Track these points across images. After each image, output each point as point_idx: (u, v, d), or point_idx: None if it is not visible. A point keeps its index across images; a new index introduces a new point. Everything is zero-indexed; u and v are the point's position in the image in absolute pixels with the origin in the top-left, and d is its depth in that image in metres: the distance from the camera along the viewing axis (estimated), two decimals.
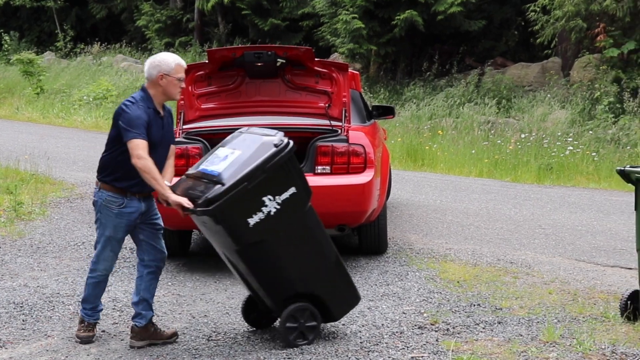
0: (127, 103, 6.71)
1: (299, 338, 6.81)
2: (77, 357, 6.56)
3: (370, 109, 11.02)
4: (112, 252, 6.90)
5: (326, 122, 9.40)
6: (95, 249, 6.95)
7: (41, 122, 23.62)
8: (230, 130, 9.49)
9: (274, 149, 6.53)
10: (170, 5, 33.82)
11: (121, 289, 8.42)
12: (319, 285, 6.90)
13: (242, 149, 6.72)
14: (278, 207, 6.53)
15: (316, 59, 9.47)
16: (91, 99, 25.54)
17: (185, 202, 6.44)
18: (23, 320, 7.41)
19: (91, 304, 6.93)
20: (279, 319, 6.90)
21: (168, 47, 32.44)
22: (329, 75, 9.49)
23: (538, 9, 20.41)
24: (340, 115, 9.38)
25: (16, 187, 12.67)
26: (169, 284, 8.63)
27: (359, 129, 9.39)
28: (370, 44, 22.95)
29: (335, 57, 24.82)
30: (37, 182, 13.67)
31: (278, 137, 6.67)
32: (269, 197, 6.49)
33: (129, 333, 6.92)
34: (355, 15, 22.39)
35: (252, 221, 6.45)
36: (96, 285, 6.93)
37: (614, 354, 6.58)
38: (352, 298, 7.14)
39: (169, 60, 6.86)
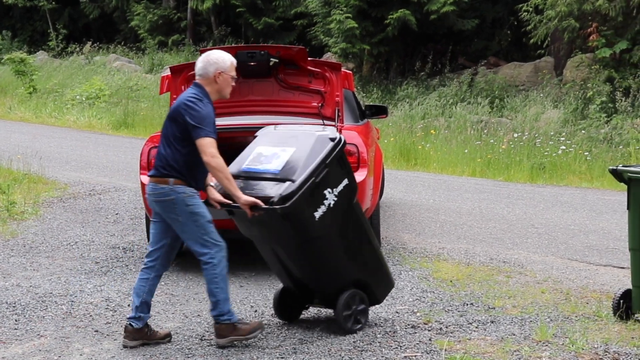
0: (194, 100, 6.69)
1: (354, 323, 7.08)
2: (69, 357, 6.55)
3: (363, 108, 11.03)
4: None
5: (319, 121, 9.40)
6: (202, 247, 6.72)
7: (34, 122, 23.58)
8: (223, 130, 9.52)
9: (332, 144, 6.82)
10: (163, 4, 33.81)
11: (114, 288, 8.41)
12: (367, 271, 7.21)
13: (296, 145, 6.93)
14: (335, 199, 6.81)
15: (309, 59, 9.47)
16: (84, 99, 25.49)
17: (259, 201, 6.52)
18: (16, 320, 7.40)
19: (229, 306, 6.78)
20: (313, 308, 7.51)
21: (161, 46, 32.43)
22: (322, 74, 9.49)
23: (531, 9, 20.43)
24: (333, 114, 9.39)
25: (9, 186, 12.64)
26: (162, 283, 8.61)
27: (352, 129, 9.39)
28: (363, 43, 22.95)
29: (328, 57, 24.82)
30: (30, 181, 13.65)
31: (331, 131, 7.02)
32: (329, 190, 6.77)
33: (123, 332, 6.88)
34: (349, 15, 22.40)
35: (317, 215, 6.71)
36: (225, 276, 6.76)
37: (607, 353, 6.59)
38: (390, 282, 7.50)
39: (225, 58, 6.89)
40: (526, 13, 20.59)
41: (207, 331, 7.15)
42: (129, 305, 7.86)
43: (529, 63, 22.96)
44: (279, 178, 6.71)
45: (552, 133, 17.53)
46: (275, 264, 7.22)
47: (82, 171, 15.36)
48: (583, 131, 17.30)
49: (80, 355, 6.61)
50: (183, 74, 9.49)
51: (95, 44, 35.01)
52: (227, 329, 6.73)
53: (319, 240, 6.84)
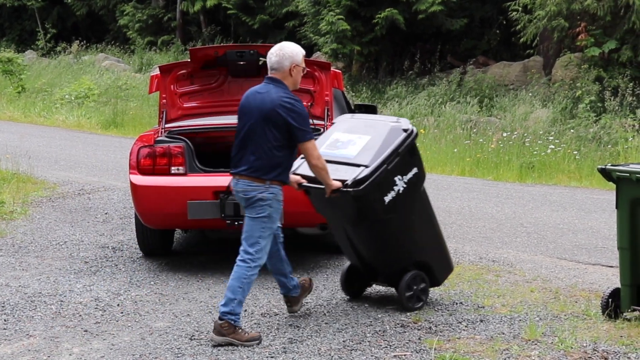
0: (292, 101, 6.88)
1: (416, 302, 7.65)
2: (59, 357, 6.55)
3: (352, 107, 11.02)
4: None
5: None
6: (252, 246, 6.91)
7: (23, 121, 23.52)
8: (213, 129, 9.52)
9: (404, 134, 7.37)
10: (152, 4, 33.77)
11: (103, 288, 8.40)
12: (430, 254, 7.77)
13: (371, 134, 7.46)
14: (404, 185, 7.35)
15: None
16: (73, 98, 25.43)
17: (340, 184, 7.01)
18: (5, 320, 7.38)
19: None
20: (376, 286, 8.11)
21: (150, 46, 32.38)
22: (312, 74, 9.48)
23: (520, 8, 20.45)
24: (323, 114, 9.39)
25: None
26: (152, 283, 8.62)
27: None
28: (353, 43, 22.96)
29: (318, 56, 24.80)
30: (19, 181, 13.62)
31: (404, 122, 7.52)
32: (399, 177, 7.31)
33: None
34: (341, 17, 22.36)
35: (387, 199, 7.26)
36: (251, 283, 6.98)
37: (596, 352, 6.61)
38: (450, 265, 8.05)
39: (297, 51, 7.09)
40: (515, 12, 20.62)
41: (197, 331, 7.15)
42: (118, 304, 7.86)
43: (518, 62, 22.98)
44: (353, 163, 7.22)
45: (541, 132, 17.56)
46: (345, 242, 7.82)
47: (71, 171, 15.33)
48: (572, 130, 17.33)
49: (70, 355, 6.60)
50: (172, 73, 9.49)
51: (84, 43, 34.93)
52: (229, 328, 6.78)
53: (387, 223, 7.40)
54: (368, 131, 7.54)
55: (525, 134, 17.62)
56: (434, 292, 8.23)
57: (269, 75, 7.01)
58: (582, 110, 18.01)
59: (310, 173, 7.13)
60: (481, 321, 7.39)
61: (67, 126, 22.54)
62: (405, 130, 7.39)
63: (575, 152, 16.21)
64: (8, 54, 28.50)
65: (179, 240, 10.39)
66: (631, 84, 17.84)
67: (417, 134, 7.50)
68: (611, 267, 9.19)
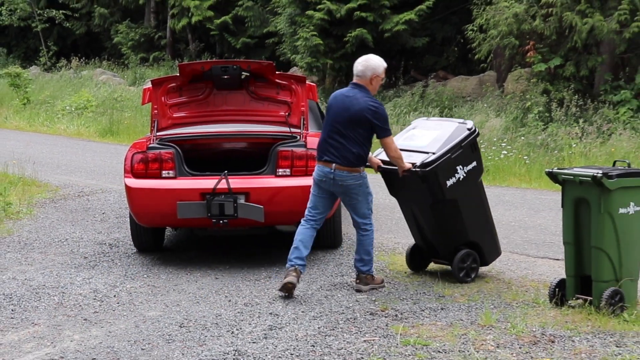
0: (377, 104, 7.70)
1: (465, 276, 8.19)
2: (61, 343, 6.51)
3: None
4: None
5: (286, 129, 9.40)
6: (364, 218, 7.96)
7: (28, 130, 23.37)
8: (200, 137, 9.50)
9: (468, 132, 8.00)
10: (145, 24, 33.66)
11: (101, 280, 8.36)
12: (482, 236, 8.30)
13: (440, 130, 8.16)
14: (464, 175, 7.97)
15: (277, 72, 9.46)
16: (73, 109, 25.30)
17: (410, 166, 7.72)
18: (12, 310, 7.34)
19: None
20: (435, 264, 8.61)
21: (143, 61, 32.27)
22: (289, 86, 9.48)
23: (475, 28, 20.50)
24: (299, 123, 9.39)
25: (5, 189, 12.53)
26: (145, 276, 8.58)
27: (316, 135, 9.37)
28: (326, 58, 22.97)
29: (295, 71, 24.79)
30: (24, 184, 13.54)
31: (469, 123, 8.14)
32: (460, 166, 7.95)
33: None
34: (315, 33, 22.41)
35: (448, 183, 7.87)
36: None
37: (544, 336, 6.64)
38: (498, 250, 8.57)
39: (380, 64, 7.90)
40: (472, 32, 20.67)
41: (186, 319, 7.13)
42: (114, 295, 7.83)
43: (474, 76, 23.04)
44: (423, 151, 7.87)
45: (495, 139, 17.60)
46: (412, 222, 8.44)
47: (71, 175, 15.25)
48: (522, 137, 17.38)
49: (71, 341, 6.57)
50: (163, 86, 9.46)
51: (82, 59, 34.78)
52: (370, 278, 7.99)
53: (447, 204, 7.96)
54: (438, 128, 8.26)
55: (480, 141, 17.66)
56: (400, 283, 8.25)
57: (354, 81, 7.89)
58: (531, 119, 18.07)
59: (386, 158, 7.93)
60: (442, 309, 7.40)
61: (68, 134, 22.41)
62: (469, 129, 8.04)
63: (526, 157, 16.26)
64: (16, 69, 28.36)
65: (169, 238, 10.35)
66: (575, 96, 17.93)
67: (478, 133, 8.14)
68: (557, 260, 9.23)
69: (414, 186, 7.93)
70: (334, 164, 7.72)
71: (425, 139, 8.07)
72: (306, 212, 8.00)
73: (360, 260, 8.00)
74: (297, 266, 7.74)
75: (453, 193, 7.93)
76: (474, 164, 8.09)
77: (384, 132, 7.67)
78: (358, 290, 7.96)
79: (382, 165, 8.01)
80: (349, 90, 7.88)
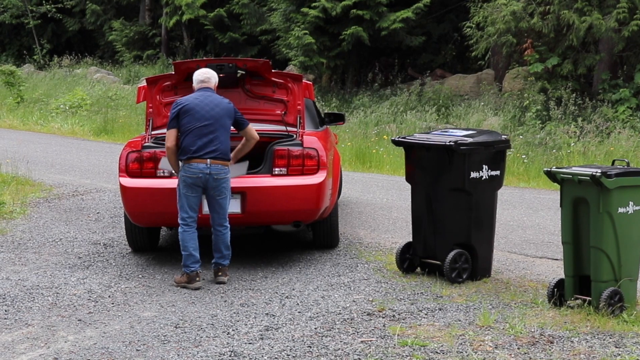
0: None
1: (457, 277, 8.20)
2: (55, 344, 6.50)
3: (322, 116, 11.02)
4: None
5: (282, 128, 9.40)
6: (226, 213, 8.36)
7: (21, 129, 23.33)
8: None
9: (503, 138, 8.42)
10: (140, 21, 33.64)
11: (96, 281, 8.34)
12: (480, 241, 8.33)
13: (477, 130, 8.65)
14: (487, 176, 8.22)
15: (273, 71, 9.45)
16: (67, 108, 25.27)
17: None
18: (5, 311, 7.32)
19: None
20: (424, 263, 8.59)
21: (137, 59, 32.24)
22: (285, 85, 9.47)
23: (473, 26, 20.51)
24: (295, 121, 9.38)
25: None
26: (140, 276, 8.57)
27: (313, 134, 9.38)
28: (320, 57, 22.94)
29: (291, 69, 24.78)
30: (18, 183, 13.51)
31: (505, 135, 8.64)
32: (486, 166, 8.22)
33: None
34: (307, 31, 22.39)
35: (472, 175, 8.09)
36: None
37: (542, 336, 6.65)
38: (489, 267, 8.55)
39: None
40: (469, 29, 20.68)
41: (181, 319, 7.12)
42: (109, 296, 7.82)
43: (472, 75, 23.05)
44: (459, 135, 8.28)
45: None
46: (422, 210, 8.47)
47: (66, 174, 15.23)
48: (520, 136, 17.40)
49: (65, 342, 6.55)
50: (158, 84, 9.45)
51: (75, 57, 34.73)
52: (227, 269, 8.44)
53: (463, 195, 8.13)
54: (480, 131, 8.71)
55: None
56: (397, 284, 8.25)
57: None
58: (529, 118, 18.09)
59: (422, 140, 8.37)
60: (440, 309, 7.40)
61: (62, 133, 22.38)
62: (505, 136, 8.51)
63: (524, 156, 16.28)
64: (10, 67, 28.33)
65: (164, 237, 10.34)
66: (573, 94, 17.95)
67: (510, 146, 8.53)
68: (556, 259, 9.23)
69: (439, 166, 8.19)
70: (209, 159, 8.13)
71: (461, 132, 8.49)
72: (187, 217, 8.19)
73: (222, 256, 8.33)
74: (199, 270, 8.19)
75: (472, 187, 8.13)
76: (498, 172, 8.35)
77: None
78: (222, 283, 8.29)
79: (419, 140, 8.42)
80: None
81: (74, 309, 7.42)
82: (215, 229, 8.31)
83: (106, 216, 11.48)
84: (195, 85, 8.45)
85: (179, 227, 8.22)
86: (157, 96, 9.43)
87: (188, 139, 8.15)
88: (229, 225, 8.36)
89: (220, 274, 8.38)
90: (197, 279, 8.14)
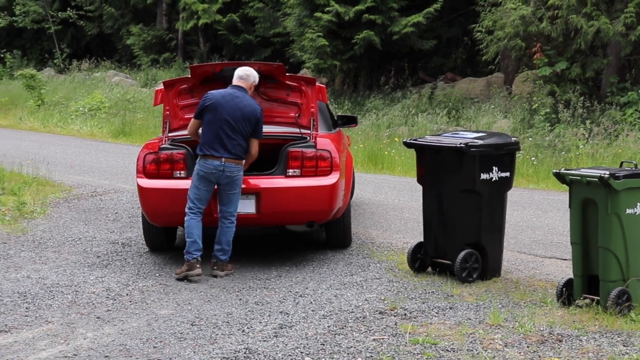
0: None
1: (468, 276, 8.18)
2: (75, 341, 6.52)
3: (335, 118, 11.01)
4: None
5: (296, 130, 9.39)
6: (235, 209, 8.53)
7: (42, 131, 23.43)
8: None
9: (513, 140, 8.39)
10: (157, 26, 33.71)
11: (114, 279, 8.36)
12: (490, 241, 8.31)
13: (488, 133, 8.69)
14: (497, 178, 8.20)
15: (287, 74, 9.45)
16: (86, 110, 25.36)
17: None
18: (26, 308, 7.34)
19: None
20: (435, 262, 8.55)
21: (154, 63, 32.30)
22: (299, 88, 9.46)
23: (483, 30, 20.46)
24: (309, 124, 9.37)
25: (20, 189, 12.57)
26: (157, 274, 8.59)
27: (326, 136, 9.38)
28: (334, 59, 22.95)
29: (304, 72, 24.77)
30: (39, 184, 13.57)
31: (515, 137, 8.56)
32: (496, 168, 8.19)
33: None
34: (320, 34, 22.41)
35: (482, 176, 8.09)
36: None
37: (551, 335, 6.62)
38: (499, 268, 8.50)
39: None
40: (479, 33, 20.63)
41: (197, 317, 7.13)
42: (127, 294, 7.83)
43: (482, 78, 22.98)
44: (470, 138, 8.27)
45: None
46: (432, 211, 8.47)
47: (85, 175, 15.27)
48: (530, 139, 17.35)
49: (84, 339, 6.57)
50: (175, 87, 9.45)
51: (94, 61, 34.83)
52: (226, 266, 8.56)
53: (473, 196, 8.13)
54: (490, 134, 8.72)
55: None
56: (409, 283, 8.23)
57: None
58: (538, 121, 18.03)
59: (433, 142, 8.36)
60: (450, 308, 7.38)
61: (81, 135, 22.46)
62: (515, 138, 8.48)
63: (533, 158, 16.24)
64: (31, 71, 28.46)
65: (181, 237, 10.35)
66: (581, 97, 17.89)
67: (519, 148, 8.53)
68: (565, 260, 9.20)
69: (450, 168, 8.18)
70: (223, 158, 8.29)
71: (471, 135, 8.49)
72: (194, 207, 8.39)
73: (221, 250, 8.48)
74: (199, 258, 8.35)
75: (482, 188, 8.13)
76: (508, 174, 8.33)
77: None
78: (215, 276, 8.43)
79: (430, 142, 8.42)
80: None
81: (93, 307, 7.43)
82: (221, 221, 8.47)
83: (124, 216, 11.50)
84: (233, 80, 8.63)
85: (186, 215, 8.38)
86: (174, 99, 9.44)
87: (207, 136, 8.39)
88: (235, 222, 8.50)
89: (216, 267, 8.51)
90: (197, 265, 8.31)
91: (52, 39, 36.91)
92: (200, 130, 8.61)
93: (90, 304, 7.51)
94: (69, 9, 35.84)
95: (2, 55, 36.33)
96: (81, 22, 35.96)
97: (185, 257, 8.36)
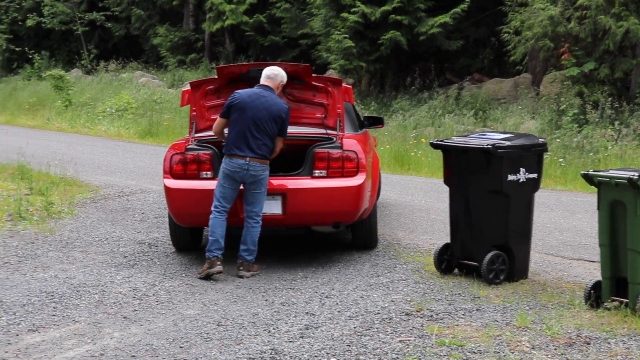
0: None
1: (495, 278, 8.15)
2: (101, 340, 6.54)
3: (361, 119, 11.00)
4: None
5: (323, 131, 9.39)
6: (261, 209, 8.55)
7: (69, 132, 23.60)
8: None
9: (540, 141, 8.35)
10: (184, 27, 33.84)
11: (141, 279, 8.39)
12: (517, 243, 8.26)
13: (516, 134, 8.64)
14: (524, 179, 8.16)
15: (313, 75, 9.45)
16: (114, 111, 25.52)
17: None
18: (54, 308, 7.39)
19: None
20: (461, 264, 8.53)
21: (181, 64, 32.43)
22: (325, 89, 9.46)
23: (510, 30, 20.38)
24: (335, 124, 9.37)
25: (47, 189, 12.66)
26: (183, 275, 8.61)
27: (352, 137, 9.37)
28: (360, 61, 22.94)
29: (331, 73, 24.79)
30: (66, 184, 13.66)
31: (542, 139, 8.49)
32: (524, 169, 8.14)
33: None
34: (346, 35, 22.41)
35: (509, 177, 8.06)
36: None
37: (579, 337, 6.58)
38: (526, 267, 8.46)
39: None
40: (506, 34, 20.55)
41: (223, 318, 7.14)
42: (153, 294, 7.86)
43: (509, 79, 22.89)
44: (496, 139, 8.23)
45: None
46: (459, 213, 8.45)
47: (112, 175, 15.36)
48: (558, 140, 17.26)
49: (111, 338, 6.60)
50: (201, 88, 9.48)
51: (121, 62, 35.03)
52: (252, 266, 8.61)
53: (501, 197, 8.09)
54: (517, 134, 8.70)
55: None
56: (435, 284, 8.20)
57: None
58: (566, 122, 17.93)
59: (460, 143, 8.34)
60: (477, 310, 7.35)
61: (109, 136, 22.60)
62: (542, 139, 8.45)
63: (561, 160, 16.15)
64: (60, 72, 28.68)
65: (207, 237, 10.36)
66: (609, 98, 17.77)
67: (547, 149, 8.49)
68: (593, 262, 9.14)
69: (477, 169, 8.17)
70: (248, 157, 8.35)
71: (498, 135, 8.48)
72: (219, 205, 8.45)
73: (247, 250, 8.51)
74: (220, 256, 8.41)
75: (509, 189, 8.08)
76: (535, 175, 8.28)
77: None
78: (241, 277, 8.45)
79: (457, 143, 8.40)
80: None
81: (120, 307, 7.47)
82: (246, 221, 8.51)
83: (151, 216, 11.55)
84: (261, 79, 8.68)
85: (211, 214, 8.43)
86: (200, 100, 9.47)
87: (233, 135, 8.44)
88: (260, 222, 8.52)
89: (242, 268, 8.54)
90: (218, 263, 8.38)
91: (80, 40, 37.16)
92: (225, 130, 8.64)
93: (117, 304, 7.55)
94: (94, 11, 36.09)
95: (30, 56, 36.62)
96: (108, 24, 36.18)
97: (206, 255, 8.42)
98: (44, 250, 9.57)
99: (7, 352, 6.27)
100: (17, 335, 6.66)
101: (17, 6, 38.25)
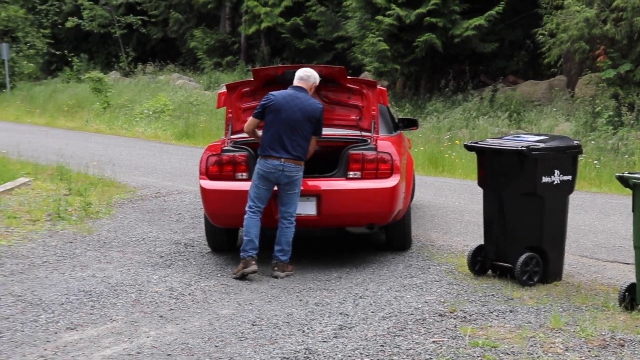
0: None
1: (528, 279, 8.11)
2: (138, 339, 6.59)
3: (396, 121, 10.99)
4: None
5: (357, 132, 9.39)
6: (295, 209, 8.57)
7: (107, 133, 23.77)
8: None
9: (575, 143, 8.33)
10: (220, 30, 34.00)
11: (177, 279, 8.44)
12: (551, 245, 8.22)
13: (550, 136, 8.64)
14: (559, 181, 8.13)
15: (348, 77, 9.45)
16: (151, 113, 25.67)
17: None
18: (91, 306, 7.46)
19: None
20: (495, 265, 8.50)
21: (217, 66, 32.57)
22: (360, 91, 9.46)
23: (545, 33, 20.27)
24: (370, 126, 9.37)
25: (86, 189, 12.76)
26: (218, 275, 8.65)
27: (386, 139, 9.37)
28: (394, 63, 22.92)
29: (365, 76, 24.78)
30: (104, 185, 13.76)
31: (577, 141, 8.47)
32: (558, 171, 8.11)
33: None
34: (381, 38, 22.40)
35: (543, 179, 8.03)
36: None
37: (613, 340, 6.53)
38: (560, 269, 8.42)
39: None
40: (541, 36, 20.44)
41: (258, 317, 7.16)
42: (189, 294, 7.91)
43: (544, 81, 22.76)
44: (531, 141, 8.18)
45: None
46: (493, 214, 8.44)
47: (149, 176, 15.45)
48: (593, 142, 17.13)
49: (147, 337, 6.65)
50: (237, 90, 9.51)
51: (158, 64, 35.26)
52: (287, 266, 8.61)
53: (535, 199, 8.06)
54: (552, 136, 8.66)
55: None
56: (468, 285, 8.18)
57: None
58: (601, 124, 17.80)
59: (494, 145, 8.32)
60: (511, 311, 7.32)
61: (146, 137, 22.73)
62: (577, 141, 8.42)
63: (596, 162, 16.02)
64: (98, 74, 28.93)
65: (242, 238, 10.40)
66: None
67: (581, 151, 8.41)
68: (627, 264, 9.06)
69: (511, 171, 8.14)
70: (283, 158, 8.38)
71: (533, 137, 8.43)
72: (254, 206, 8.49)
73: (281, 250, 8.54)
74: (255, 255, 8.43)
75: (543, 191, 8.05)
76: (570, 177, 8.24)
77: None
78: (276, 277, 8.48)
79: (491, 145, 8.37)
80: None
81: (156, 306, 7.52)
82: (280, 221, 8.53)
83: (187, 217, 11.61)
84: (294, 81, 8.71)
85: (245, 214, 8.47)
86: (236, 102, 9.50)
87: (267, 136, 8.47)
88: (294, 222, 8.55)
89: (276, 268, 8.56)
90: (253, 262, 8.40)
91: (118, 43, 37.49)
92: (257, 130, 8.68)
93: (153, 303, 7.60)
94: (131, 14, 36.36)
95: (69, 59, 36.97)
96: (144, 30, 36.44)
97: (241, 254, 8.45)
98: (82, 250, 9.66)
99: (46, 349, 6.34)
100: (56, 333, 6.73)
101: (57, 10, 38.64)
